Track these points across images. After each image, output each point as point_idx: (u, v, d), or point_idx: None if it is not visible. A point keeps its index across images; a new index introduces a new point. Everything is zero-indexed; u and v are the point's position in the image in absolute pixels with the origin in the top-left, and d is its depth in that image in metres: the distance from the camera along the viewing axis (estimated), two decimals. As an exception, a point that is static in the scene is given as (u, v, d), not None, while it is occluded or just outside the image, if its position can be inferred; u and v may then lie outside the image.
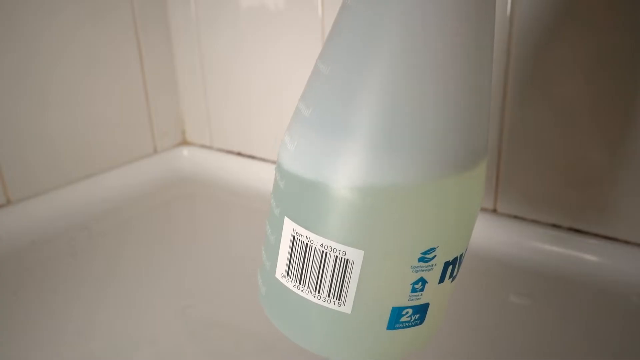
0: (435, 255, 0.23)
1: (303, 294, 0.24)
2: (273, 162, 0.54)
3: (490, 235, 0.42)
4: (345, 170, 0.21)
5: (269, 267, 0.25)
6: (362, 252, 0.22)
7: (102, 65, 0.51)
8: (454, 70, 0.21)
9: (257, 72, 0.52)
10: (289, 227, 0.23)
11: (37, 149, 0.48)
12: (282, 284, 0.24)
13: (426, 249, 0.23)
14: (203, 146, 0.60)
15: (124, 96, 0.54)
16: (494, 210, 0.43)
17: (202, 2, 0.53)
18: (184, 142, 0.61)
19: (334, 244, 0.22)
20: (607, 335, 0.33)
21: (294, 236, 0.23)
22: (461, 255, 0.24)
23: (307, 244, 0.23)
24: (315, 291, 0.23)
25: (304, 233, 0.23)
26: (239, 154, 0.57)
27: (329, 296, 0.23)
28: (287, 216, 0.23)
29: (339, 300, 0.23)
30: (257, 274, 0.27)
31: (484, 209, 0.44)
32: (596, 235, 0.40)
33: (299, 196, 0.23)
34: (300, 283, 0.24)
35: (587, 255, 0.39)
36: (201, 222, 0.51)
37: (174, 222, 0.50)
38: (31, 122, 0.47)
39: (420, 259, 0.23)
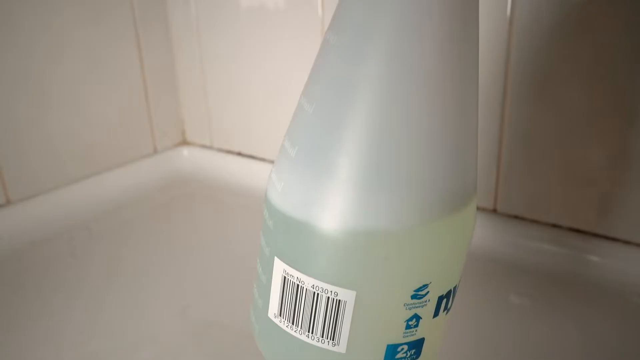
0: (428, 292, 0.22)
1: (297, 335, 0.23)
2: (273, 162, 0.54)
3: (490, 235, 0.42)
4: (334, 212, 0.21)
5: (262, 306, 0.25)
6: (354, 292, 0.22)
7: (102, 65, 0.51)
8: (443, 110, 0.21)
9: (257, 72, 0.52)
10: (280, 268, 0.23)
11: (37, 149, 0.48)
12: (275, 323, 0.24)
13: (419, 286, 0.22)
14: (203, 146, 0.60)
15: (124, 96, 0.54)
16: (494, 210, 0.43)
17: (202, 2, 0.53)
18: (184, 142, 0.61)
19: (325, 285, 0.22)
20: (607, 335, 0.33)
21: (284, 277, 0.23)
22: (455, 287, 0.24)
23: (298, 285, 0.23)
24: (308, 332, 0.23)
25: (295, 274, 0.22)
26: (239, 154, 0.57)
27: (322, 336, 0.23)
28: (277, 256, 0.23)
29: (333, 340, 0.23)
30: (250, 310, 0.27)
31: (484, 209, 0.43)
32: (596, 235, 0.40)
33: (289, 236, 0.23)
34: (293, 323, 0.23)
35: (587, 255, 0.39)
36: (201, 222, 0.51)
37: (174, 222, 0.50)
38: (31, 122, 0.47)
39: (414, 296, 0.22)
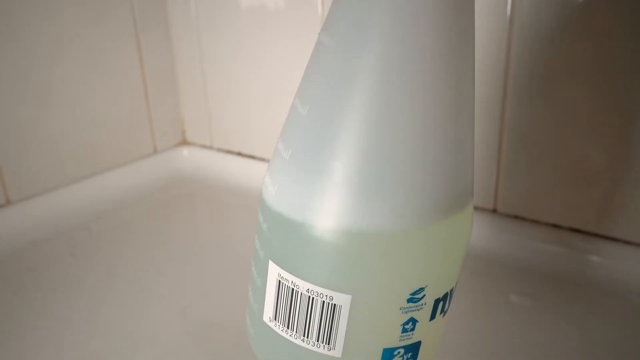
0: (424, 295, 0.22)
1: (292, 339, 0.23)
2: (273, 162, 0.54)
3: (490, 235, 0.42)
4: (329, 213, 0.21)
5: (257, 310, 0.25)
6: (350, 296, 0.22)
7: (102, 65, 0.51)
8: (439, 112, 0.21)
9: (257, 72, 0.52)
10: (274, 271, 0.23)
11: (37, 149, 0.48)
12: (270, 327, 0.24)
13: (415, 290, 0.22)
14: (203, 146, 0.60)
15: (124, 96, 0.54)
16: (494, 210, 0.43)
17: (202, 2, 0.53)
18: (184, 142, 0.61)
19: (320, 289, 0.22)
20: (607, 335, 0.33)
21: (279, 280, 0.23)
22: (451, 290, 0.24)
23: (293, 289, 0.22)
24: (304, 336, 0.23)
25: (289, 278, 0.22)
26: (239, 154, 0.57)
27: (318, 341, 0.23)
28: (272, 260, 0.23)
29: (329, 344, 0.23)
30: (246, 314, 0.27)
31: (484, 209, 0.44)
32: (596, 235, 0.40)
33: (283, 240, 0.22)
34: (288, 328, 0.23)
35: (587, 255, 0.39)
36: (201, 222, 0.51)
37: (174, 222, 0.50)
38: (31, 122, 0.47)
39: (410, 300, 0.22)
